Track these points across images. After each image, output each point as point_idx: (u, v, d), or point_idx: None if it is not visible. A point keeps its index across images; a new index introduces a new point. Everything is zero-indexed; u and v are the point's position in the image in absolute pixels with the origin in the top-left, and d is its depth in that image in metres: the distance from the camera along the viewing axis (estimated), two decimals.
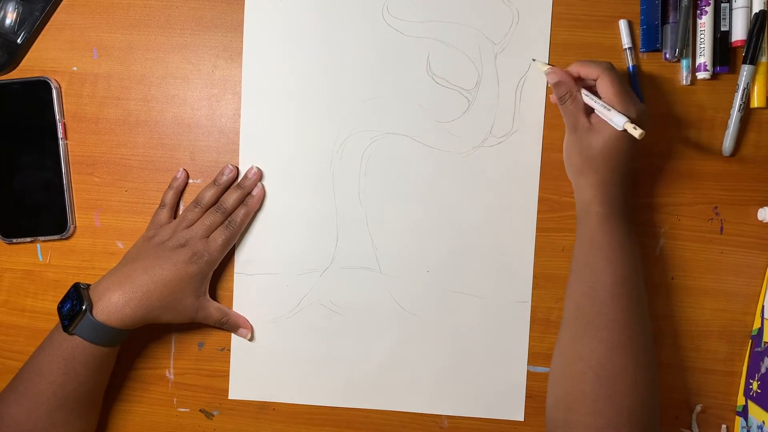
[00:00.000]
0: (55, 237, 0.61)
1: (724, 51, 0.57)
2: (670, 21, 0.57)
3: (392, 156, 0.60)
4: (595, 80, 0.53)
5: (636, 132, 0.48)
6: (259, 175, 0.60)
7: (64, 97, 0.61)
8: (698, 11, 0.57)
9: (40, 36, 0.61)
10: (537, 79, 0.59)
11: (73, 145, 0.61)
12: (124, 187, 0.61)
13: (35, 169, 0.61)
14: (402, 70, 0.59)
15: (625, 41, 0.58)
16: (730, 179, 0.58)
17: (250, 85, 0.60)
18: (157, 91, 0.61)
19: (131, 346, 0.61)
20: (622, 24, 0.58)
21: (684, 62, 0.57)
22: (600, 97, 0.52)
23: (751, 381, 0.56)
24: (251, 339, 0.61)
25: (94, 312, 0.52)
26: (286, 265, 0.60)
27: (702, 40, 0.57)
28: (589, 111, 0.53)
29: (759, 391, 0.55)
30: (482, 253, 0.59)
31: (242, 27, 0.60)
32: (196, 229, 0.57)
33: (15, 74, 0.61)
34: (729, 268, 0.59)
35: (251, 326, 0.60)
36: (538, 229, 0.59)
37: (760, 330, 0.57)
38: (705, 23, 0.56)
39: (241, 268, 0.61)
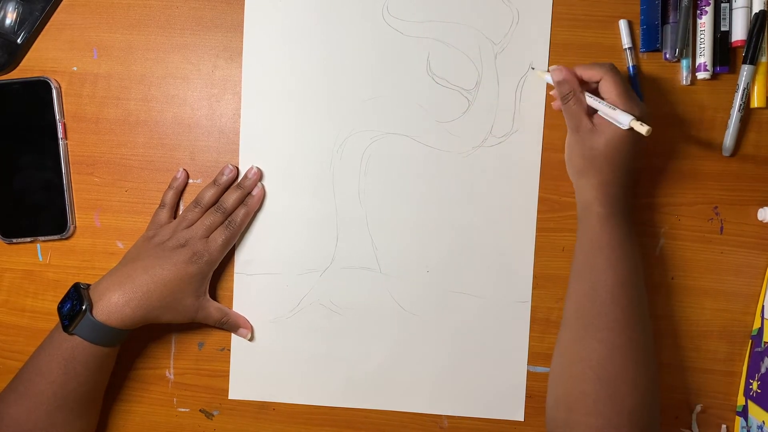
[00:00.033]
0: (55, 237, 0.61)
1: (724, 51, 0.57)
2: (670, 21, 0.57)
3: (392, 156, 0.60)
4: (598, 82, 0.53)
5: (643, 128, 0.48)
6: (259, 175, 0.60)
7: (64, 97, 0.61)
8: (698, 11, 0.57)
9: (40, 36, 0.61)
10: (537, 79, 0.59)
11: (73, 145, 0.61)
12: (124, 187, 0.61)
13: (35, 169, 0.61)
14: (402, 70, 0.59)
15: (625, 41, 0.58)
16: (730, 179, 0.58)
17: (250, 85, 0.60)
18: (157, 91, 0.61)
19: (131, 346, 0.61)
20: (622, 24, 0.58)
21: (684, 62, 0.57)
22: (602, 99, 0.52)
23: (751, 381, 0.56)
24: (251, 339, 0.61)
25: (94, 312, 0.52)
26: (286, 265, 0.60)
27: (702, 40, 0.57)
28: (591, 112, 0.53)
29: (759, 391, 0.55)
30: (482, 253, 0.59)
31: (242, 27, 0.60)
32: (196, 229, 0.57)
33: (15, 74, 0.61)
34: (729, 268, 0.59)
35: (251, 326, 0.60)
36: (538, 229, 0.59)
37: (760, 330, 0.57)
38: (705, 23, 0.56)
39: (241, 268, 0.61)
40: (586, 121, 0.53)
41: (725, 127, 0.58)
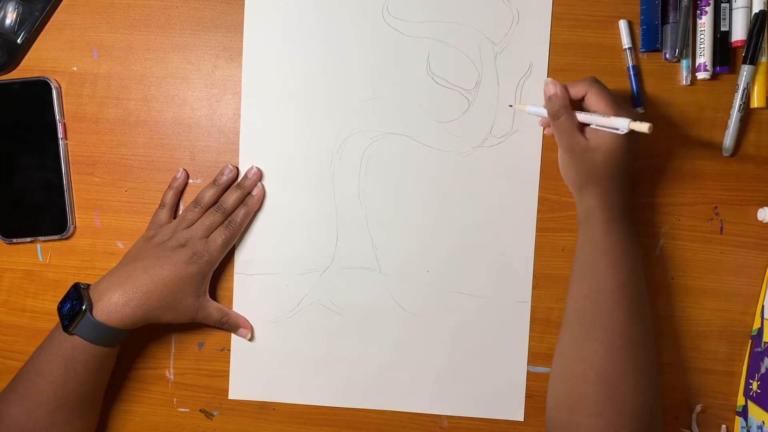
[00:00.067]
0: (55, 237, 0.61)
1: (724, 51, 0.57)
2: (670, 21, 0.57)
3: (392, 156, 0.60)
4: (583, 98, 0.52)
5: (644, 126, 0.47)
6: (259, 175, 0.60)
7: (64, 97, 0.61)
8: (698, 11, 0.57)
9: (40, 36, 0.61)
10: (537, 79, 0.59)
11: (73, 145, 0.61)
12: (124, 187, 0.61)
13: (35, 169, 0.61)
14: (402, 70, 0.59)
15: (625, 41, 0.58)
16: (730, 179, 0.58)
17: (250, 85, 0.60)
18: (157, 91, 0.61)
19: (131, 346, 0.61)
20: (622, 24, 0.58)
21: (684, 62, 0.57)
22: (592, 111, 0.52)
23: (751, 381, 0.56)
24: (251, 339, 0.61)
25: (94, 312, 0.52)
26: (286, 265, 0.60)
27: (702, 40, 0.57)
28: (581, 128, 0.53)
29: (759, 391, 0.55)
30: (482, 253, 0.59)
31: (242, 27, 0.60)
32: (196, 229, 0.57)
33: (15, 74, 0.61)
34: (729, 268, 0.59)
35: (251, 326, 0.60)
36: (538, 229, 0.59)
37: (760, 330, 0.57)
38: (705, 23, 0.56)
39: (241, 268, 0.61)
40: (580, 138, 0.52)
41: (725, 127, 0.58)
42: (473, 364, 0.60)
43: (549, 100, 0.53)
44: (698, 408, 0.59)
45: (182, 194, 0.61)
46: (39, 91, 0.60)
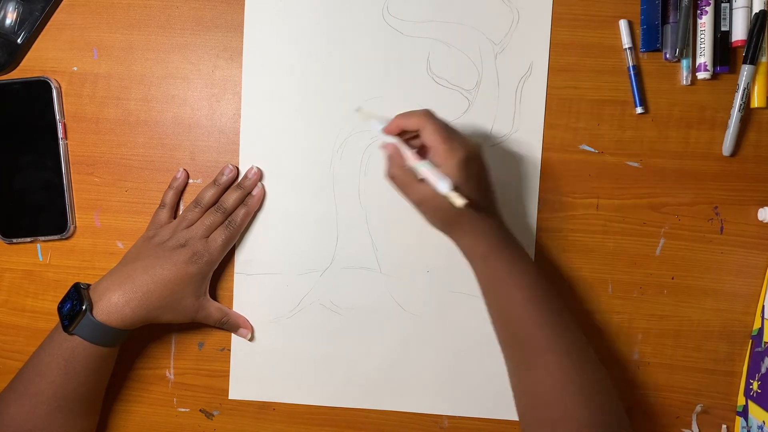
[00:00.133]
0: (55, 237, 0.61)
1: (724, 51, 0.57)
2: (671, 21, 0.57)
3: None
4: (418, 131, 0.50)
5: (459, 201, 0.45)
6: (259, 175, 0.60)
7: (64, 97, 0.61)
8: (698, 11, 0.57)
9: (40, 36, 0.61)
10: (537, 79, 0.59)
11: (73, 145, 0.61)
12: (124, 187, 0.61)
13: (35, 169, 0.61)
14: (402, 70, 0.59)
15: (625, 41, 0.58)
16: (730, 179, 0.58)
17: (250, 85, 0.60)
18: (157, 91, 0.61)
19: (131, 346, 0.61)
20: (622, 24, 0.58)
21: (684, 62, 0.57)
22: (427, 147, 0.49)
23: (751, 381, 0.56)
24: (251, 339, 0.61)
25: (94, 312, 0.52)
26: (286, 265, 0.60)
27: (702, 40, 0.57)
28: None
29: (759, 391, 0.55)
30: None
31: (242, 27, 0.60)
32: (196, 229, 0.57)
33: (15, 74, 0.61)
34: (729, 268, 0.59)
35: (251, 326, 0.60)
36: (538, 229, 0.59)
37: (760, 330, 0.57)
38: (705, 23, 0.56)
39: (241, 268, 0.61)
40: (419, 188, 0.49)
41: (725, 127, 0.58)
42: (473, 364, 0.60)
43: (387, 159, 0.51)
44: (699, 408, 0.59)
45: (182, 194, 0.61)
46: (39, 91, 0.60)
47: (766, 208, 0.58)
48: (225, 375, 0.61)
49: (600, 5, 0.58)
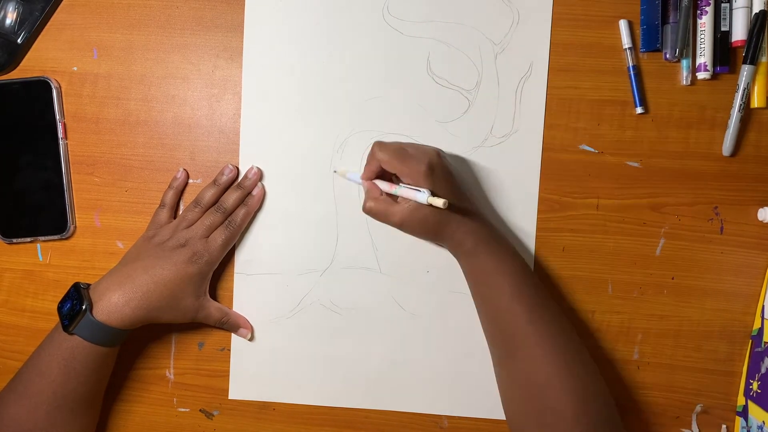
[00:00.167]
0: (55, 237, 0.61)
1: (724, 51, 0.57)
2: (671, 21, 0.57)
3: None
4: (382, 166, 0.53)
5: (439, 202, 0.48)
6: (259, 175, 0.60)
7: (64, 97, 0.61)
8: (698, 11, 0.57)
9: (40, 36, 0.61)
10: (537, 79, 0.59)
11: (73, 145, 0.61)
12: (124, 187, 0.61)
13: (35, 169, 0.61)
14: (402, 70, 0.59)
15: (625, 41, 0.58)
16: (730, 179, 0.58)
17: (250, 85, 0.60)
18: (157, 91, 0.61)
19: (131, 346, 0.61)
20: (622, 24, 0.58)
21: (684, 62, 0.57)
22: (397, 177, 0.53)
23: (751, 381, 0.56)
24: (251, 339, 0.61)
25: (94, 312, 0.52)
26: (286, 265, 0.60)
27: (702, 40, 0.57)
28: (394, 198, 0.54)
29: (759, 391, 0.55)
30: None
31: (242, 27, 0.60)
32: (196, 229, 0.57)
33: (15, 74, 0.61)
34: (729, 268, 0.59)
35: (251, 326, 0.60)
36: (538, 229, 0.59)
37: (760, 330, 0.57)
38: (705, 23, 0.56)
39: (241, 268, 0.61)
40: (397, 208, 0.52)
41: (725, 127, 0.58)
42: (473, 364, 0.60)
43: (365, 193, 0.55)
44: (699, 408, 0.59)
45: (182, 194, 0.61)
46: (39, 91, 0.60)
47: (766, 208, 0.58)
48: (225, 375, 0.61)
49: (600, 5, 0.58)
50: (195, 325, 0.60)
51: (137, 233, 0.60)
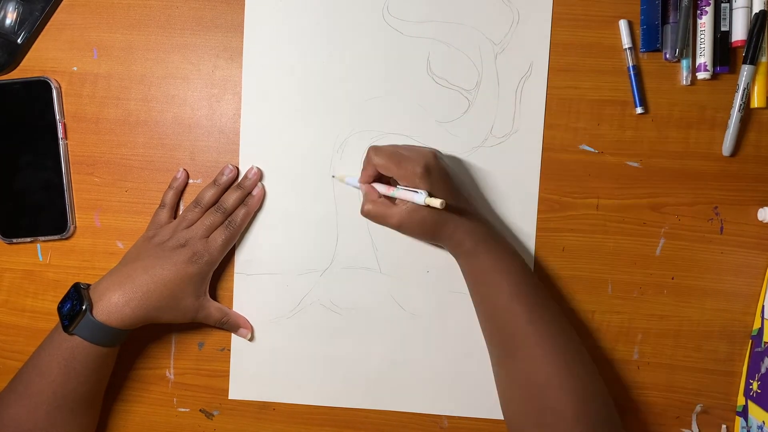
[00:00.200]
0: (55, 237, 0.61)
1: (724, 51, 0.57)
2: (670, 21, 0.57)
3: None
4: (379, 170, 0.53)
5: (437, 202, 0.49)
6: (259, 175, 0.60)
7: (64, 97, 0.61)
8: (698, 11, 0.57)
9: (40, 36, 0.61)
10: (537, 79, 0.59)
11: (73, 145, 0.61)
12: (124, 187, 0.61)
13: (35, 169, 0.61)
14: (402, 70, 0.59)
15: (625, 41, 0.58)
16: (730, 179, 0.58)
17: (250, 85, 0.60)
18: (157, 91, 0.61)
19: (131, 346, 0.61)
20: (622, 24, 0.58)
21: (684, 62, 0.57)
22: (394, 180, 0.53)
23: (751, 381, 0.56)
24: (251, 339, 0.61)
25: (94, 312, 0.52)
26: (286, 265, 0.60)
27: (702, 40, 0.57)
28: (392, 200, 0.54)
29: (759, 391, 0.55)
30: None
31: (242, 27, 0.60)
32: (196, 229, 0.57)
33: (15, 74, 0.61)
34: (729, 268, 0.59)
35: (251, 326, 0.60)
36: (538, 229, 0.59)
37: (760, 330, 0.57)
38: (705, 23, 0.56)
39: (241, 268, 0.61)
40: (394, 210, 0.53)
41: (725, 127, 0.58)
42: (473, 364, 0.60)
43: (363, 197, 0.56)
44: (698, 408, 0.59)
45: (182, 194, 0.61)
46: (39, 91, 0.60)
47: (766, 208, 0.58)
48: (225, 375, 0.61)
49: (600, 5, 0.58)
50: (195, 325, 0.60)
51: (137, 233, 0.60)
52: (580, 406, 0.48)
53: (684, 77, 0.58)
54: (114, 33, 0.61)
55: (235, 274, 0.61)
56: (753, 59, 0.56)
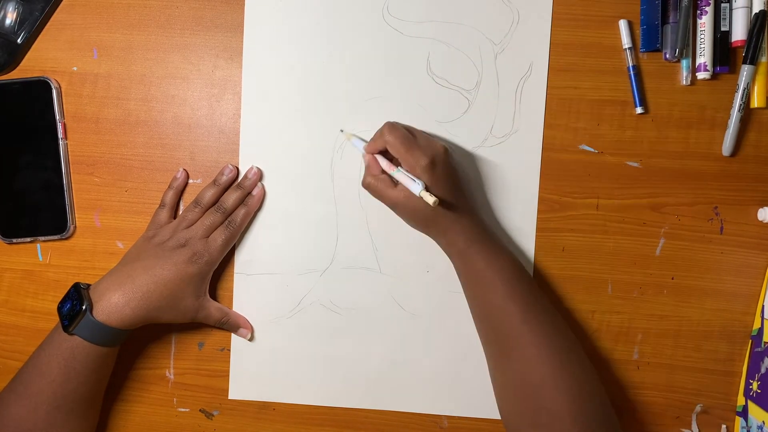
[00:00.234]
0: (55, 237, 0.61)
1: (724, 51, 0.57)
2: (670, 21, 0.57)
3: None
4: (387, 148, 0.53)
5: (430, 199, 0.49)
6: (259, 175, 0.60)
7: (64, 97, 0.61)
8: (698, 11, 0.57)
9: (40, 36, 0.61)
10: (537, 79, 0.59)
11: (73, 145, 0.61)
12: (124, 187, 0.61)
13: (35, 169, 0.61)
14: (402, 70, 0.59)
15: (625, 41, 0.58)
16: (730, 179, 0.58)
17: (250, 85, 0.60)
18: (157, 91, 0.61)
19: (131, 346, 0.61)
20: (622, 24, 0.58)
21: (684, 62, 0.57)
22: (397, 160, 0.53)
23: (751, 381, 0.56)
24: (251, 339, 0.61)
25: (94, 312, 0.52)
26: (286, 265, 0.60)
27: (702, 40, 0.57)
28: (395, 181, 0.54)
29: (759, 391, 0.55)
30: None
31: (242, 27, 0.60)
32: (196, 229, 0.57)
33: (15, 74, 0.61)
34: (729, 268, 0.59)
35: (251, 326, 0.60)
36: (538, 229, 0.59)
37: (760, 330, 0.57)
38: (705, 23, 0.56)
39: (241, 268, 0.61)
40: (393, 192, 0.53)
41: (725, 127, 0.58)
42: (473, 364, 0.60)
43: (365, 168, 0.56)
44: (698, 408, 0.59)
45: (182, 194, 0.61)
46: (39, 91, 0.60)
47: (766, 208, 0.58)
48: (225, 375, 0.61)
49: (600, 5, 0.58)
50: (195, 325, 0.60)
51: (137, 233, 0.60)
52: (576, 405, 0.48)
53: (684, 77, 0.58)
54: (114, 33, 0.61)
55: (235, 274, 0.61)
56: (753, 59, 0.56)
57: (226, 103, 0.61)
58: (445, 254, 0.58)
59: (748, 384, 0.57)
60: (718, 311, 0.59)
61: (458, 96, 0.59)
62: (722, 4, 0.57)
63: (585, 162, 0.59)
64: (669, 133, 0.58)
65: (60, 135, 0.61)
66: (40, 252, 0.62)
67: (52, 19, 0.61)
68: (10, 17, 0.60)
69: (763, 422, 0.54)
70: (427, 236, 0.57)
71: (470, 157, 0.59)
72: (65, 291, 0.55)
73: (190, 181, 0.61)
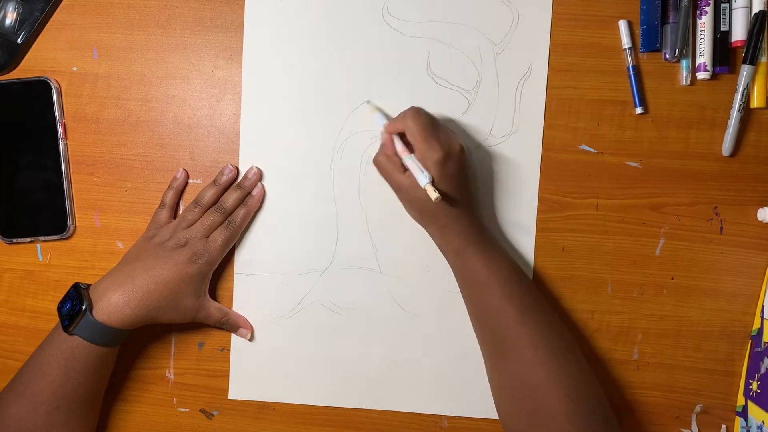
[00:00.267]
0: (55, 237, 0.61)
1: (724, 51, 0.57)
2: (670, 21, 0.57)
3: None
4: (406, 133, 0.53)
5: (433, 195, 0.49)
6: (259, 175, 0.60)
7: (64, 97, 0.61)
8: (698, 11, 0.57)
9: (40, 36, 0.61)
10: (537, 79, 0.59)
11: (73, 145, 0.61)
12: (124, 187, 0.61)
13: (35, 169, 0.61)
14: (402, 70, 0.59)
15: (625, 41, 0.58)
16: (730, 179, 0.58)
17: (250, 85, 0.60)
18: (157, 91, 0.61)
19: (131, 346, 0.61)
20: (622, 24, 0.58)
21: (684, 62, 0.57)
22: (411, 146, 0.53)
23: (751, 381, 0.56)
24: (251, 339, 0.61)
25: (94, 312, 0.52)
26: (286, 265, 0.60)
27: (702, 40, 0.57)
28: (405, 167, 0.53)
29: (759, 391, 0.55)
30: None
31: (242, 27, 0.60)
32: (196, 229, 0.57)
33: (15, 74, 0.61)
34: (729, 268, 0.59)
35: (251, 326, 0.60)
36: (538, 229, 0.59)
37: (760, 330, 0.57)
38: (705, 23, 0.56)
39: (241, 268, 0.61)
40: (402, 177, 0.53)
41: (725, 127, 0.58)
42: (473, 364, 0.60)
43: (380, 146, 0.55)
44: (698, 408, 0.59)
45: (182, 194, 0.61)
46: (39, 91, 0.60)
47: (766, 208, 0.58)
48: (225, 375, 0.61)
49: (600, 5, 0.58)
50: (195, 325, 0.60)
51: (137, 233, 0.60)
52: (574, 406, 0.48)
53: (684, 77, 0.58)
54: (114, 33, 0.61)
55: (235, 274, 0.61)
56: (753, 59, 0.56)
57: (226, 103, 0.61)
58: None
59: (747, 384, 0.57)
60: (718, 311, 0.59)
61: (458, 96, 0.59)
62: (722, 4, 0.57)
63: (585, 162, 0.59)
64: (669, 133, 0.58)
65: (60, 135, 0.61)
66: (40, 252, 0.62)
67: (52, 19, 0.61)
68: (10, 17, 0.60)
69: (763, 422, 0.54)
70: (427, 236, 0.57)
71: (470, 158, 0.59)
72: (65, 291, 0.55)
73: (190, 181, 0.61)
